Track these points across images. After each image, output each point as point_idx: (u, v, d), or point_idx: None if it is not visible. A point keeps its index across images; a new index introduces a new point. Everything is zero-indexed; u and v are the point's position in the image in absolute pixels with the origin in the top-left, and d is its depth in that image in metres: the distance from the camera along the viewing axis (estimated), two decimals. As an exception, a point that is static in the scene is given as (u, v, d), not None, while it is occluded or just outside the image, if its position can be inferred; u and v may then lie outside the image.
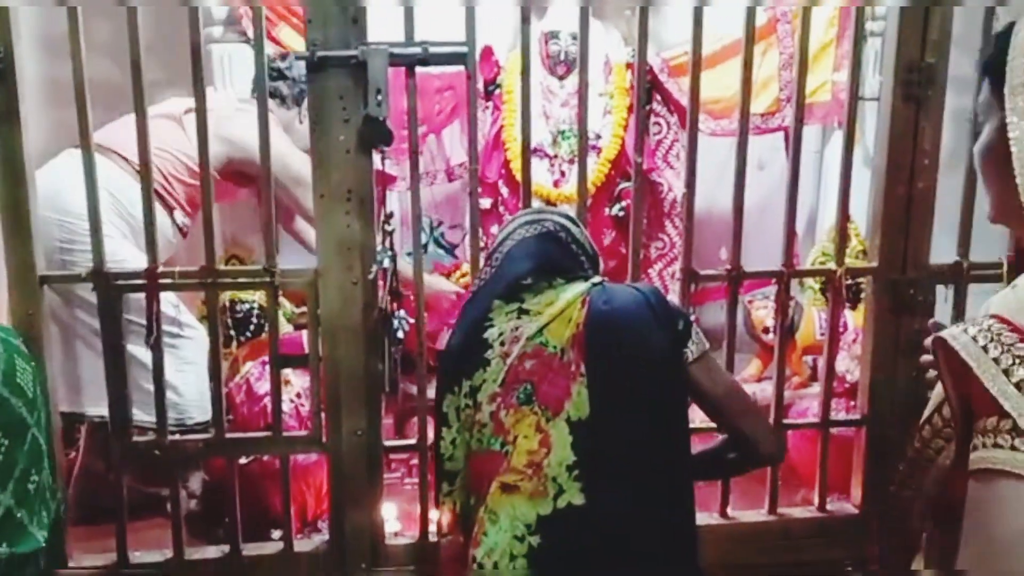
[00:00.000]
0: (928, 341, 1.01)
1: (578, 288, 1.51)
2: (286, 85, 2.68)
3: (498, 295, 1.54)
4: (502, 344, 1.48)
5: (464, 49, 1.92)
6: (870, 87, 2.89)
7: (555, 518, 1.37)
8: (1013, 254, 2.18)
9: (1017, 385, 0.89)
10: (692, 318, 1.58)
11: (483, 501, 1.44)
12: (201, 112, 1.99)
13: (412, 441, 2.21)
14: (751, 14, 2.10)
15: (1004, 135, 0.96)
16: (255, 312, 2.76)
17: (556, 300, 1.49)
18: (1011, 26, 1.01)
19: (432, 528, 2.18)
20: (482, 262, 1.76)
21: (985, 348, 0.91)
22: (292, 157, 2.46)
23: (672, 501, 1.45)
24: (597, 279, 1.55)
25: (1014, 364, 0.89)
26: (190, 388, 2.44)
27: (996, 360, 0.90)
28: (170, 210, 2.49)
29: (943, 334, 0.96)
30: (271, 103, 2.64)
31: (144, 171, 2.01)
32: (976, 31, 2.13)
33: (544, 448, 1.40)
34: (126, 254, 2.29)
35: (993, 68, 1.00)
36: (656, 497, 1.42)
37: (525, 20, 2.02)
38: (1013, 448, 0.88)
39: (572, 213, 1.84)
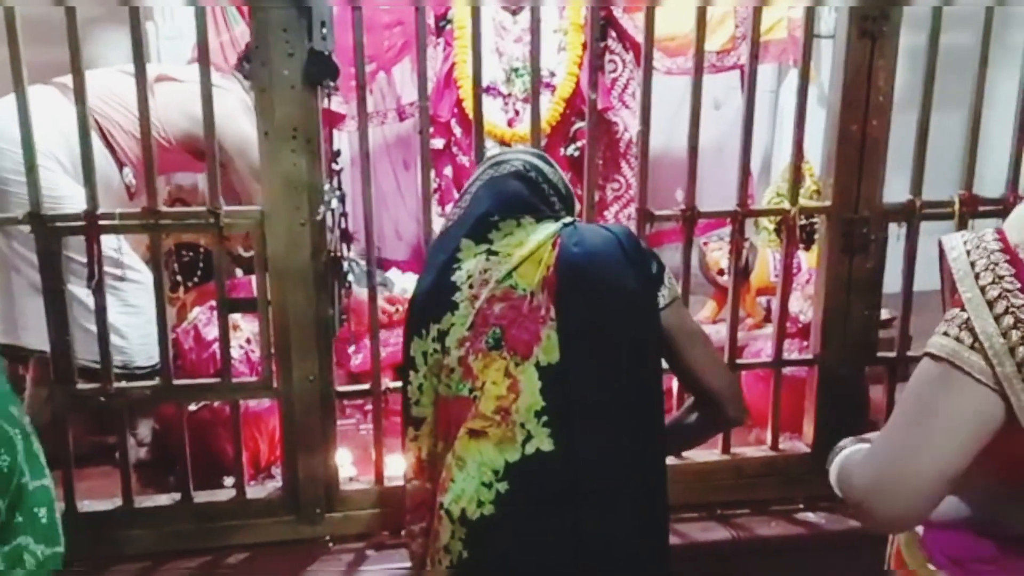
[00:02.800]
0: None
1: (548, 229, 1.46)
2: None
3: (465, 234, 1.49)
4: (470, 287, 1.44)
5: (412, -23, 1.85)
6: (826, 24, 2.87)
7: (523, 464, 1.35)
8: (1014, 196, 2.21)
9: (982, 289, 0.95)
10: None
11: (451, 447, 1.42)
12: (137, 39, 1.89)
13: (366, 387, 2.18)
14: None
15: None
16: (201, 257, 2.70)
17: (526, 241, 1.45)
18: None
19: (387, 472, 2.17)
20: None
21: (970, 257, 0.98)
22: (255, 146, 2.39)
23: (642, 447, 1.43)
24: (568, 219, 1.51)
25: (992, 278, 0.96)
26: (133, 331, 2.38)
27: (977, 272, 0.97)
28: (120, 165, 2.43)
29: (943, 239, 1.04)
30: (243, 84, 2.57)
31: (80, 108, 1.93)
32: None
33: (513, 394, 1.38)
34: (68, 191, 2.21)
35: None
36: (626, 443, 1.40)
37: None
38: (957, 339, 0.96)
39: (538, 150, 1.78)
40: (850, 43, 2.06)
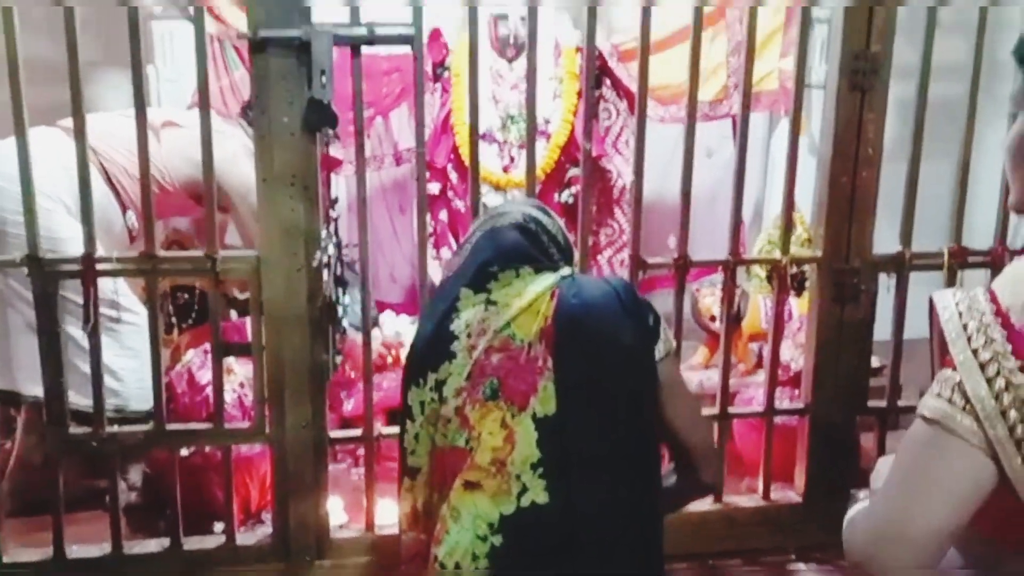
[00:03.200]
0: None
1: (547, 280, 1.46)
2: None
3: (465, 284, 1.49)
4: (468, 336, 1.44)
5: (411, 31, 1.88)
6: (816, 75, 2.92)
7: (518, 517, 1.34)
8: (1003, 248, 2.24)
9: (975, 352, 0.95)
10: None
11: (446, 498, 1.41)
12: (138, 82, 1.92)
13: (357, 432, 2.17)
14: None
15: None
16: (196, 299, 2.70)
17: (524, 292, 1.45)
18: None
19: (379, 520, 2.16)
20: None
21: (962, 319, 0.98)
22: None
23: (639, 499, 1.42)
24: (567, 271, 1.51)
25: (984, 340, 0.95)
26: (130, 375, 2.37)
27: (969, 334, 0.96)
28: (124, 208, 2.45)
29: (934, 296, 1.03)
30: (247, 131, 2.60)
31: (80, 148, 1.95)
32: (920, 20, 2.16)
33: (509, 445, 1.36)
34: (68, 232, 2.22)
35: None
36: (623, 495, 1.39)
37: (473, 10, 1.99)
38: (950, 401, 0.96)
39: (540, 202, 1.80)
40: (840, 96, 2.10)
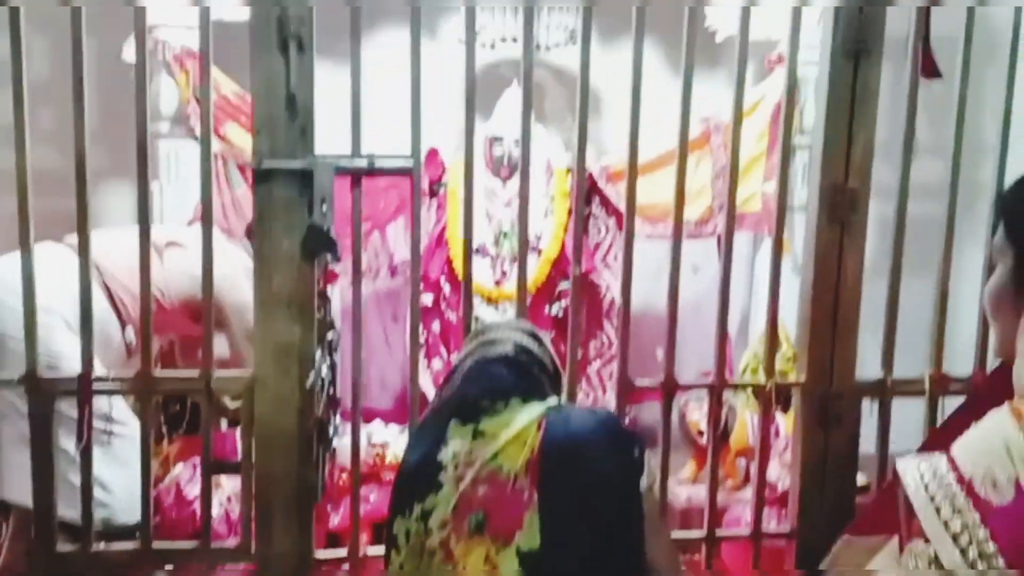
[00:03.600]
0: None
1: (535, 411, 1.49)
2: None
3: (454, 415, 1.51)
4: (456, 467, 1.45)
5: (410, 163, 1.96)
6: (799, 197, 3.01)
7: None
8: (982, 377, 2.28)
9: (945, 524, 0.96)
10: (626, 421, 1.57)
11: None
12: (143, 203, 1.98)
13: (343, 553, 2.17)
14: (684, 126, 2.18)
15: (1014, 278, 1.06)
16: (189, 409, 2.72)
17: (512, 422, 1.47)
18: None
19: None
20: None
21: (928, 491, 0.99)
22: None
23: None
24: (554, 400, 1.54)
25: (951, 510, 0.97)
26: (119, 486, 2.37)
27: (936, 507, 0.98)
28: (123, 325, 2.49)
29: (899, 467, 1.05)
30: (248, 252, 2.66)
31: (83, 265, 1.99)
32: (898, 141, 2.25)
33: None
34: (67, 349, 2.25)
35: (1010, 215, 1.09)
36: None
37: (469, 134, 2.07)
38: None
39: (511, 313, 1.83)
40: (820, 227, 2.17)
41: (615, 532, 1.42)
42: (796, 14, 2.15)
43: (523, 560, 1.38)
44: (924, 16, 2.18)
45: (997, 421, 1.04)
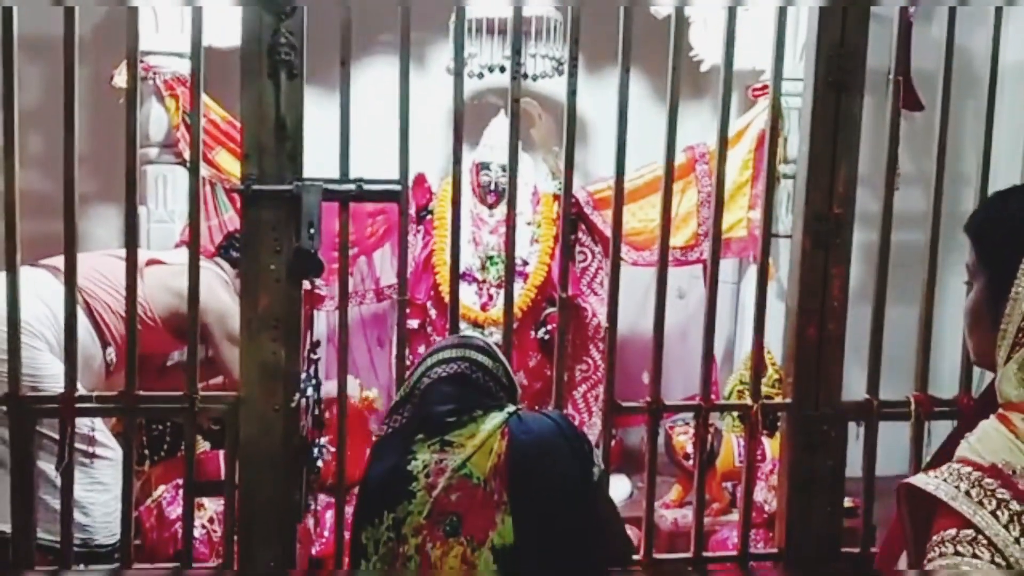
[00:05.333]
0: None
1: (496, 419, 1.57)
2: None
3: (417, 432, 1.58)
4: (427, 476, 1.51)
5: (398, 188, 1.98)
6: (784, 225, 3.05)
7: None
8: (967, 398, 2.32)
9: (980, 503, 0.96)
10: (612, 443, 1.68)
11: None
12: (131, 227, 1.98)
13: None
14: (670, 154, 2.21)
15: (988, 295, 1.10)
16: (170, 431, 2.71)
17: (477, 432, 1.55)
18: (998, 196, 1.18)
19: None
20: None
21: (946, 480, 0.99)
22: (233, 316, 2.47)
23: None
24: (512, 408, 1.62)
25: (985, 493, 0.96)
26: (98, 508, 2.36)
27: (965, 491, 0.98)
28: (105, 345, 2.49)
29: (910, 480, 1.04)
30: (229, 270, 2.69)
31: (68, 289, 1.99)
32: (881, 172, 2.28)
33: None
34: (50, 370, 2.26)
35: (979, 235, 1.15)
36: None
37: (456, 161, 2.09)
38: (975, 555, 0.94)
39: (497, 337, 1.90)
40: (805, 252, 2.20)
41: (579, 521, 1.52)
42: (779, 45, 2.19)
43: (498, 556, 1.45)
44: (904, 50, 2.23)
45: (990, 426, 1.06)
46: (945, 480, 1.00)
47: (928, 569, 0.98)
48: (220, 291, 2.59)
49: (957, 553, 0.95)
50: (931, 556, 0.98)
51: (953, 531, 0.96)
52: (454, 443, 1.54)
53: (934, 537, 0.98)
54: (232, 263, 2.76)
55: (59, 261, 2.37)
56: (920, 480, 1.03)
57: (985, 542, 0.94)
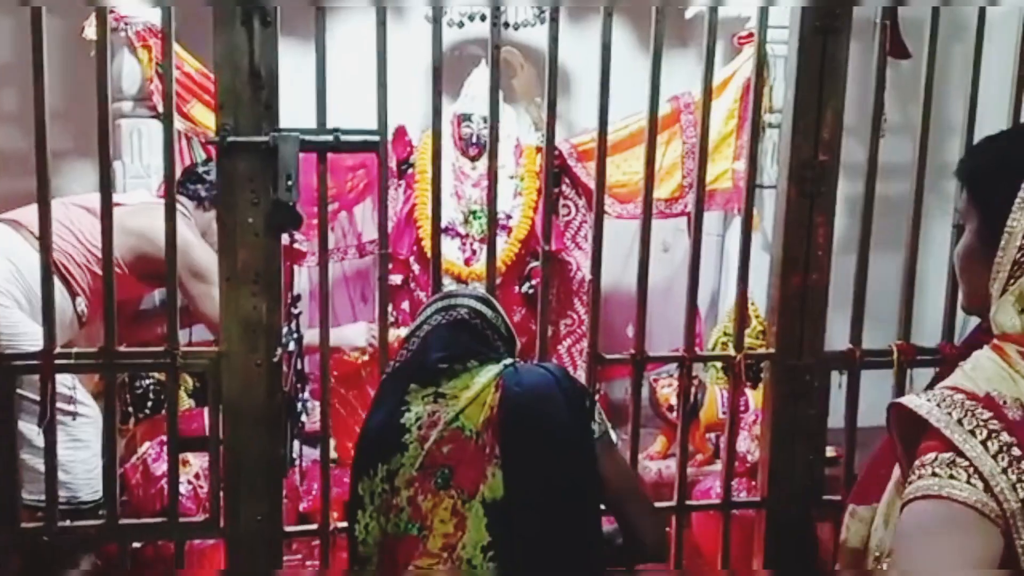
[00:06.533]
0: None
1: (491, 371, 1.55)
2: (204, 188, 2.73)
3: (413, 379, 1.56)
4: (419, 428, 1.50)
5: (376, 138, 1.94)
6: (769, 176, 3.03)
7: None
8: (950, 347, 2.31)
9: (971, 432, 0.97)
10: (596, 397, 1.63)
11: None
12: (106, 189, 1.95)
13: (313, 527, 2.16)
14: (654, 104, 2.18)
15: (981, 234, 1.11)
16: (153, 388, 2.69)
17: (471, 384, 1.53)
18: (988, 139, 1.19)
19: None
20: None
21: (939, 405, 1.01)
22: (197, 250, 2.46)
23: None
24: (509, 360, 1.59)
25: (976, 422, 0.98)
26: (79, 466, 2.36)
27: (958, 419, 0.99)
28: (73, 296, 2.45)
29: (902, 400, 1.07)
30: (188, 204, 2.65)
31: (44, 246, 1.96)
32: (867, 122, 2.27)
33: (460, 531, 1.43)
34: (23, 328, 2.24)
35: (971, 176, 1.15)
36: (569, 572, 1.45)
37: (437, 112, 2.05)
38: (951, 477, 0.96)
39: (483, 291, 1.87)
40: (789, 202, 2.18)
41: (573, 478, 1.50)
42: (765, -9, 2.16)
43: (488, 509, 1.44)
44: (892, -2, 2.20)
45: (984, 355, 1.08)
46: (938, 405, 1.02)
47: (906, 492, 1.00)
48: (181, 226, 2.50)
49: (934, 474, 0.97)
50: (911, 479, 1.00)
51: (933, 455, 0.98)
52: (447, 395, 1.53)
53: (915, 461, 1.00)
54: (190, 197, 2.71)
55: (20, 214, 2.35)
56: (912, 402, 1.05)
57: (965, 464, 0.96)
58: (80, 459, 2.34)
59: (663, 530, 1.65)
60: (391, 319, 2.15)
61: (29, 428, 2.08)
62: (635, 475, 1.66)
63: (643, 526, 1.57)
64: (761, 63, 2.23)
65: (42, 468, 1.99)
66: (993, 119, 2.30)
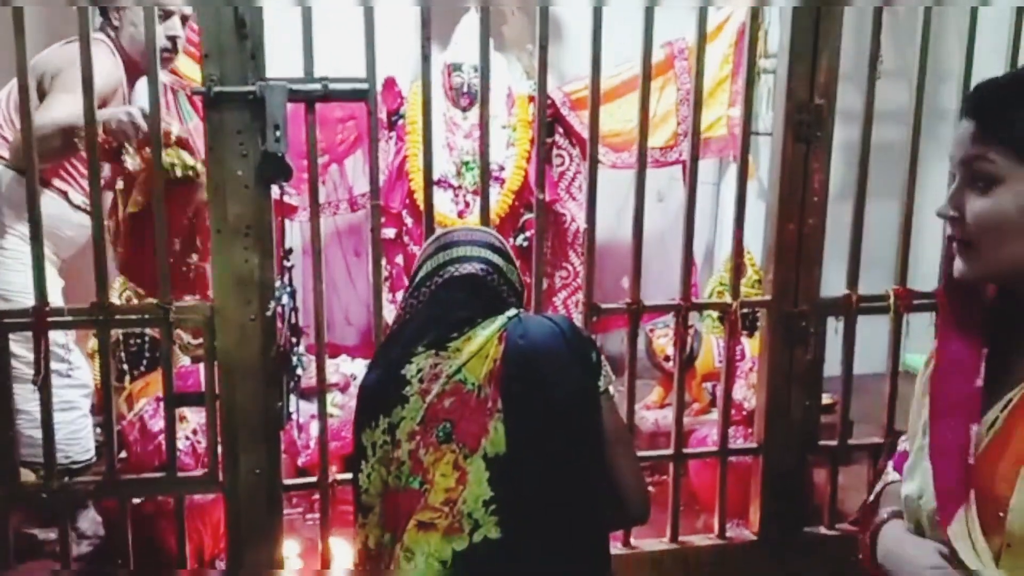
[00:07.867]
0: None
1: (496, 323, 1.50)
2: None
3: (420, 336, 1.50)
4: (421, 381, 1.47)
5: (365, 86, 1.91)
6: (764, 122, 3.00)
7: (471, 553, 1.37)
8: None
9: None
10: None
11: (399, 539, 1.43)
12: (91, 139, 1.92)
13: (312, 479, 2.17)
14: (647, 51, 2.15)
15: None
16: (149, 345, 2.68)
17: (475, 337, 1.48)
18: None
19: (332, 564, 2.15)
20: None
21: None
22: (74, 62, 2.08)
23: (587, 534, 1.46)
24: (513, 312, 1.53)
25: None
26: (63, 427, 2.32)
27: None
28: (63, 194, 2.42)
29: None
30: (102, 36, 2.51)
31: (31, 195, 1.93)
32: (863, 68, 2.24)
33: (461, 485, 1.40)
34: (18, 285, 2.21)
35: (986, 112, 1.02)
36: (571, 530, 1.43)
37: (425, 58, 2.01)
38: None
39: (490, 234, 1.77)
40: (785, 147, 2.16)
41: (577, 433, 1.46)
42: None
43: (490, 464, 1.40)
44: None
45: None
46: None
47: None
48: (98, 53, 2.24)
49: None
50: None
51: None
52: (450, 348, 1.48)
53: None
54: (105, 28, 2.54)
55: None
56: None
57: None
58: (64, 420, 2.33)
59: (647, 490, 1.63)
60: (384, 273, 2.13)
61: (18, 387, 2.07)
62: (630, 437, 1.63)
63: (627, 481, 1.52)
64: (756, 7, 2.19)
65: (29, 433, 1.98)
66: (990, 63, 2.27)
